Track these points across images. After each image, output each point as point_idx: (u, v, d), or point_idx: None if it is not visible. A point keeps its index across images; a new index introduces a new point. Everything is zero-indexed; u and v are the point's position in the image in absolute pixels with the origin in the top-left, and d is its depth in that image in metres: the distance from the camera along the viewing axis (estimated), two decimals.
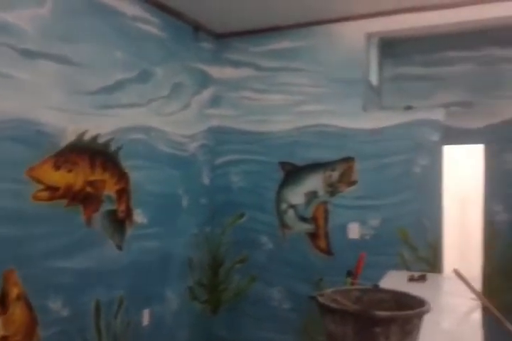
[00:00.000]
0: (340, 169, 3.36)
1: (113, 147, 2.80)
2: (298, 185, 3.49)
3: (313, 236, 3.44)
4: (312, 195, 3.44)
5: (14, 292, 2.21)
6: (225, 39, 3.77)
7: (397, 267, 2.97)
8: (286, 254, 3.51)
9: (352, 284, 2.09)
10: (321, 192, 3.41)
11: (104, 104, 2.74)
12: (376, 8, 3.21)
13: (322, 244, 3.41)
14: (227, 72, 3.77)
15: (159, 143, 3.19)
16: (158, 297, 3.21)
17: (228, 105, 3.77)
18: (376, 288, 1.43)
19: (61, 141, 2.46)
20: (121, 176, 2.88)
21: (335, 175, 3.37)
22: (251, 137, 3.67)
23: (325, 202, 3.40)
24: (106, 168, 2.76)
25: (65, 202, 2.48)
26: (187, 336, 3.52)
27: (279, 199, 3.56)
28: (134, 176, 2.96)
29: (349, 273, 2.25)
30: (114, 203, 2.83)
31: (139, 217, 3.02)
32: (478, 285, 2.18)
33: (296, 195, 3.50)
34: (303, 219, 3.47)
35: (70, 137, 2.50)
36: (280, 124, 3.56)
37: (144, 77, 3.05)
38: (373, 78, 3.57)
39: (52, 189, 2.40)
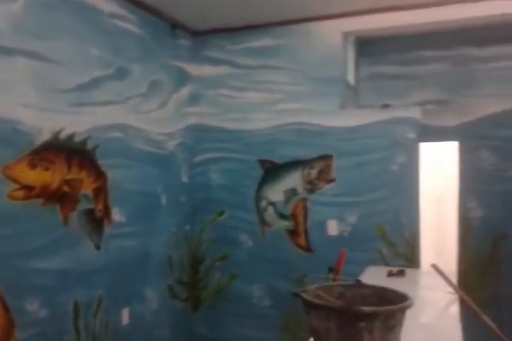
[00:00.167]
0: (319, 167, 3.38)
1: (90, 145, 2.76)
2: (277, 183, 3.51)
3: (292, 233, 3.46)
4: (291, 193, 3.46)
5: None
6: (202, 36, 3.74)
7: (375, 263, 3.02)
8: (266, 251, 3.53)
9: (334, 280, 2.11)
10: (300, 190, 3.43)
11: (81, 101, 2.69)
12: (353, 7, 3.24)
13: (302, 240, 3.43)
14: (205, 70, 3.75)
15: (137, 141, 3.16)
16: (137, 296, 3.18)
17: (207, 103, 3.75)
18: (358, 284, 1.44)
19: (37, 140, 2.41)
20: (99, 175, 2.84)
21: (313, 172, 3.39)
22: (230, 135, 3.66)
23: (304, 199, 3.42)
24: (83, 166, 2.71)
25: (40, 201, 2.44)
26: (167, 335, 3.50)
27: (258, 196, 3.57)
28: (112, 175, 2.92)
29: (331, 270, 2.28)
30: (92, 202, 2.79)
31: (117, 215, 2.98)
32: (454, 281, 2.22)
33: (275, 193, 3.51)
34: (282, 216, 3.49)
35: (45, 135, 2.45)
36: (259, 122, 3.57)
37: (121, 74, 3.01)
38: (350, 77, 3.60)
39: (27, 188, 2.36)
